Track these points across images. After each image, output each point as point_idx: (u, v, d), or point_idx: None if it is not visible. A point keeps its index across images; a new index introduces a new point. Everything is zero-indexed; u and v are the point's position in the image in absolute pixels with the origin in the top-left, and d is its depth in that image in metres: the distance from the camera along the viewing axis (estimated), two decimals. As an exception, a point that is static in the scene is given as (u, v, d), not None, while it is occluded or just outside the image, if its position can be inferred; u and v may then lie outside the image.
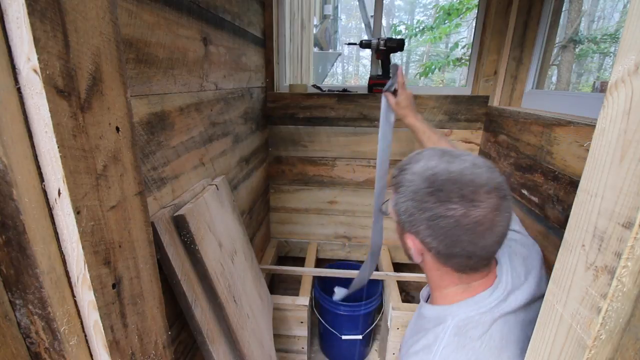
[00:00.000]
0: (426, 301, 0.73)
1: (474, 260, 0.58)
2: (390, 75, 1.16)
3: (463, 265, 0.59)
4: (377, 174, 1.10)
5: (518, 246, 0.72)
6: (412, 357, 0.62)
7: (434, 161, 0.59)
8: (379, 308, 1.64)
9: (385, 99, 1.14)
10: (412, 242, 0.62)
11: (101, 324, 0.40)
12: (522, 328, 0.61)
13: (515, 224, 0.79)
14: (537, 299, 0.64)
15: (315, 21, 5.10)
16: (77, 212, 0.35)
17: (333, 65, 5.85)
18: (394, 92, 1.14)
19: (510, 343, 0.59)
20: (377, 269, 1.82)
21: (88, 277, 0.38)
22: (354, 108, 1.64)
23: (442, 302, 0.65)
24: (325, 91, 1.68)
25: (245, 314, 0.95)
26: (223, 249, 0.90)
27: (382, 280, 1.63)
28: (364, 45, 1.63)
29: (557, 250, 0.36)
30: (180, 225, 0.74)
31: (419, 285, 2.11)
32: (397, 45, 1.59)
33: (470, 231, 0.53)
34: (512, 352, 0.59)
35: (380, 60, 1.64)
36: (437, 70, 5.49)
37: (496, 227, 0.54)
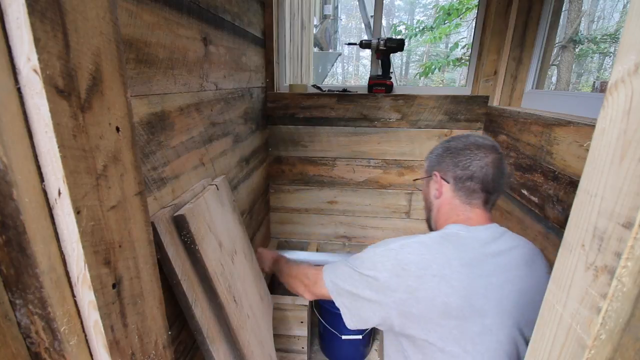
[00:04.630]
0: None
1: (480, 187, 0.79)
2: None
3: (471, 190, 0.79)
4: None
5: None
6: (394, 239, 0.79)
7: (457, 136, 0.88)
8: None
9: None
10: (436, 180, 0.84)
11: (101, 324, 0.40)
12: (491, 266, 0.72)
13: None
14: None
15: (315, 21, 5.10)
16: (77, 212, 0.35)
17: (333, 65, 5.85)
18: None
19: (476, 267, 0.70)
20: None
21: (88, 277, 0.38)
22: (354, 108, 1.64)
23: (442, 227, 0.82)
24: (325, 91, 1.68)
25: (245, 314, 0.95)
26: (223, 248, 0.90)
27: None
28: (364, 45, 1.63)
29: (557, 250, 0.36)
30: (180, 225, 0.74)
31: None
32: (397, 45, 1.59)
33: (479, 159, 0.78)
34: (471, 272, 0.69)
35: (380, 60, 1.64)
36: (437, 70, 5.48)
37: (497, 167, 0.78)
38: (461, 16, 5.08)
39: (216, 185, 0.96)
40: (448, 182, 0.81)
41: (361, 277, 0.76)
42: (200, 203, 0.82)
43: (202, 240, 0.78)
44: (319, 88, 1.70)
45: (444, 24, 5.26)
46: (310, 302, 1.49)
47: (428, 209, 0.90)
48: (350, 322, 0.80)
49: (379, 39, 1.59)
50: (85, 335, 0.41)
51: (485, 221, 0.79)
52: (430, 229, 0.90)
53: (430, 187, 0.87)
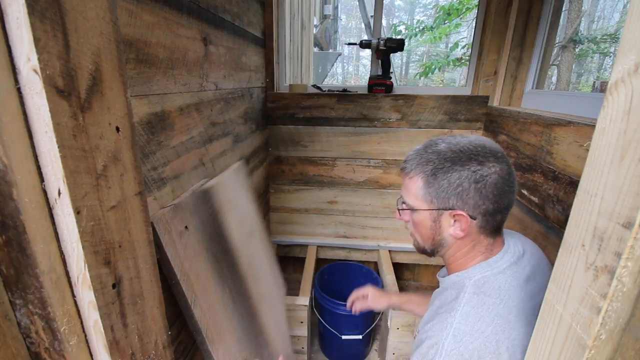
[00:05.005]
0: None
1: (508, 212, 0.66)
2: None
3: (500, 222, 0.67)
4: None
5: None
6: (436, 320, 0.65)
7: (451, 139, 0.68)
8: (379, 308, 1.63)
9: None
10: (456, 219, 0.66)
11: (101, 324, 0.40)
12: (530, 299, 0.65)
13: None
14: (532, 277, 0.69)
15: (315, 21, 5.10)
16: (77, 212, 0.35)
17: (333, 65, 5.85)
18: None
19: (524, 310, 0.62)
20: (377, 269, 1.82)
21: (88, 277, 0.38)
22: (354, 108, 1.64)
23: (459, 270, 0.70)
24: (325, 91, 1.68)
25: (262, 291, 0.95)
26: (243, 226, 0.91)
27: (381, 280, 1.63)
28: (364, 45, 1.63)
29: (557, 250, 0.36)
30: (208, 197, 0.75)
31: (419, 286, 2.10)
32: (397, 45, 1.59)
33: (508, 182, 0.63)
34: (526, 319, 0.62)
35: (380, 60, 1.64)
36: (437, 70, 5.48)
37: (515, 178, 0.66)
38: (461, 16, 5.08)
39: (238, 165, 0.97)
40: (474, 219, 0.65)
41: None
42: (226, 178, 0.83)
43: (226, 213, 0.79)
44: (319, 88, 1.70)
45: (444, 24, 5.26)
46: (310, 302, 1.49)
47: (434, 246, 0.72)
48: None
49: (379, 39, 1.59)
50: (85, 335, 0.41)
51: (501, 243, 0.69)
52: (428, 254, 0.76)
53: (442, 222, 0.68)
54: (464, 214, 0.64)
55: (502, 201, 0.63)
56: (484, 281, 0.64)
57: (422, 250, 0.76)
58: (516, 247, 0.70)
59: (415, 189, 0.69)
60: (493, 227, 0.66)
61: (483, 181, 0.62)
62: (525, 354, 0.43)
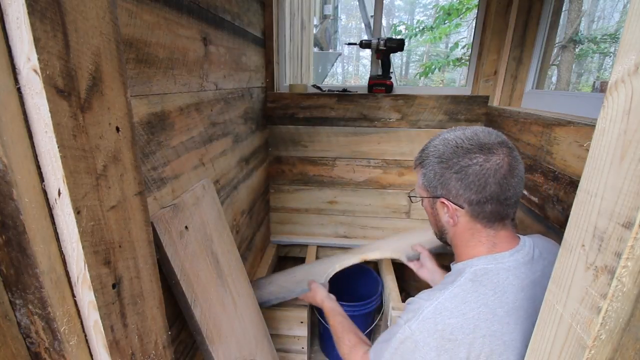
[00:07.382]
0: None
1: (503, 206, 0.66)
2: None
3: (494, 213, 0.67)
4: None
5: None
6: (428, 292, 0.68)
7: (449, 133, 0.72)
8: (379, 308, 1.63)
9: None
10: (445, 207, 0.71)
11: (101, 324, 0.40)
12: (531, 301, 0.65)
13: None
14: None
15: (315, 21, 5.11)
16: (77, 212, 0.35)
17: (333, 65, 5.86)
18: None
19: (520, 309, 0.62)
20: (377, 272, 1.82)
21: (88, 277, 0.38)
22: (354, 108, 1.64)
23: (464, 259, 0.71)
24: (325, 91, 1.68)
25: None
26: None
27: (382, 280, 1.63)
28: (364, 45, 1.63)
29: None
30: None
31: (420, 286, 2.10)
32: (397, 45, 1.59)
33: (494, 173, 0.64)
34: (518, 318, 0.62)
35: (380, 60, 1.64)
36: (437, 70, 5.48)
37: (515, 170, 0.65)
38: (461, 16, 5.08)
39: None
40: (462, 208, 0.68)
41: None
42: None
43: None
44: (319, 88, 1.70)
45: (444, 24, 5.26)
46: (310, 302, 1.49)
47: (440, 231, 0.78)
48: None
49: (379, 39, 1.59)
50: (85, 335, 0.41)
51: (512, 241, 0.69)
52: (441, 240, 0.81)
53: (438, 209, 0.74)
54: (448, 202, 0.70)
55: (486, 191, 0.65)
56: (484, 272, 0.66)
57: (436, 236, 0.82)
58: (531, 248, 0.69)
59: (418, 179, 0.78)
60: (487, 217, 0.68)
61: (463, 172, 0.66)
62: (527, 350, 0.43)
